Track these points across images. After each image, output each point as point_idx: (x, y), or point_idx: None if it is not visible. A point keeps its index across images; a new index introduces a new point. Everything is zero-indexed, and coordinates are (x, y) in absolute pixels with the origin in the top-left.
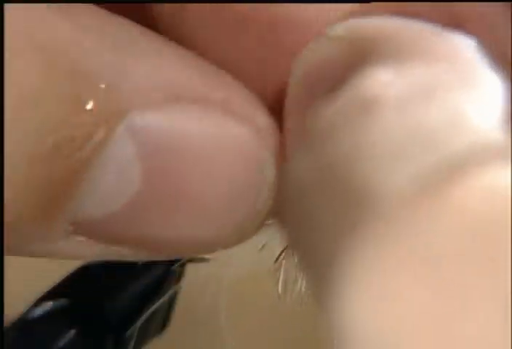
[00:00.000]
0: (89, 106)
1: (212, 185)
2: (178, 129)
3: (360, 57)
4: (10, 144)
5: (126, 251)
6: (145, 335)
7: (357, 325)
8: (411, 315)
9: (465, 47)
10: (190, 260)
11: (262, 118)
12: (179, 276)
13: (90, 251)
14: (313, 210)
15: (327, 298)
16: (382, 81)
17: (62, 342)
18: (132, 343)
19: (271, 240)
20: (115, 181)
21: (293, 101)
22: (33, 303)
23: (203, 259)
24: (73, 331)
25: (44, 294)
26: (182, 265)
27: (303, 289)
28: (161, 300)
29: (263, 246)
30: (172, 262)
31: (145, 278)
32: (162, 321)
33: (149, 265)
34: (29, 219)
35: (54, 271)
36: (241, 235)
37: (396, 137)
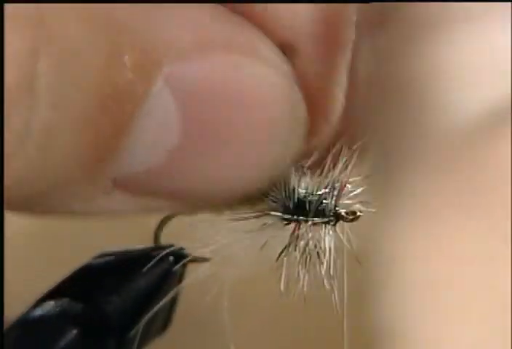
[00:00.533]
0: (127, 59)
1: (251, 130)
2: (215, 77)
3: None
4: (59, 107)
5: (165, 205)
6: (147, 336)
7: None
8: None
9: None
10: (192, 260)
11: (286, 64)
12: (180, 276)
13: (129, 207)
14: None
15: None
16: None
17: (63, 343)
18: (135, 344)
19: (272, 239)
20: (156, 133)
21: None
22: (33, 303)
23: (204, 259)
24: (74, 332)
25: (45, 294)
26: (184, 265)
27: (305, 287)
28: (164, 301)
29: (264, 246)
30: (173, 263)
31: (146, 279)
32: (164, 321)
33: (150, 265)
34: (76, 176)
35: (54, 271)
36: (273, 175)
37: (473, 62)
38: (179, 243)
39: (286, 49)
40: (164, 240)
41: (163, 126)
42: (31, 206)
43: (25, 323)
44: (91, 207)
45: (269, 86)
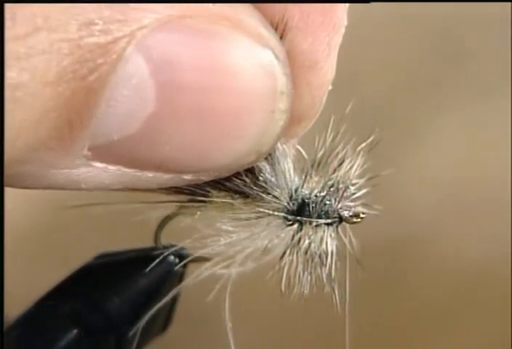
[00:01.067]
0: (99, 27)
1: (228, 99)
2: (190, 46)
3: None
4: (27, 69)
5: (147, 176)
6: (148, 335)
7: None
8: None
9: None
10: (193, 260)
11: (275, 38)
12: (181, 276)
13: (111, 179)
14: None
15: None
16: None
17: (63, 342)
18: (135, 343)
19: (274, 240)
20: (130, 100)
21: None
22: (34, 303)
23: (205, 259)
24: (74, 331)
25: (45, 293)
26: (184, 265)
27: (306, 288)
28: (164, 301)
29: (266, 246)
30: (173, 262)
31: (146, 278)
32: (164, 320)
33: (151, 265)
34: (48, 141)
35: (54, 271)
36: (260, 149)
37: None
38: (179, 243)
39: (279, 24)
40: (164, 240)
41: (138, 94)
42: (14, 176)
43: (26, 322)
44: (73, 178)
45: (249, 56)
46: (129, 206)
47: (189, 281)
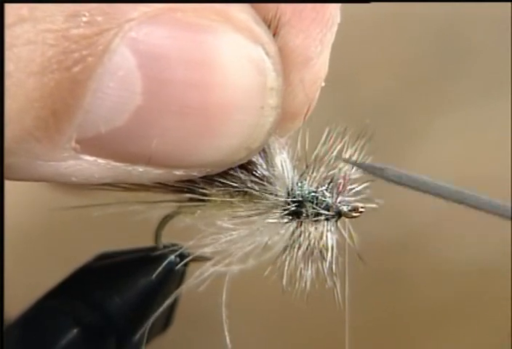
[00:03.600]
0: (86, 19)
1: (214, 94)
2: (177, 39)
3: None
4: (11, 58)
5: (137, 171)
6: (148, 334)
7: None
8: None
9: None
10: (193, 259)
11: (266, 34)
12: (182, 276)
13: (100, 172)
14: None
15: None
16: None
17: (63, 342)
18: (135, 343)
19: (274, 236)
20: (117, 92)
21: None
22: (34, 303)
23: (206, 258)
24: (75, 331)
25: (46, 293)
26: (185, 265)
27: (307, 284)
28: (167, 302)
29: (266, 243)
30: (174, 262)
31: (147, 278)
32: (165, 320)
33: (151, 265)
34: (34, 132)
35: (55, 271)
36: (250, 146)
37: None
38: (180, 242)
39: (272, 21)
40: (164, 239)
41: (124, 86)
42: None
43: (26, 322)
44: (62, 171)
45: (238, 52)
46: (129, 206)
47: (190, 281)
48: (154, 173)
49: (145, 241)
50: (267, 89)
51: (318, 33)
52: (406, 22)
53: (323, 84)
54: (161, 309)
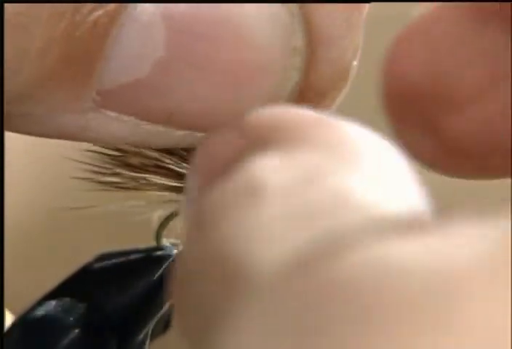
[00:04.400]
0: None
1: (238, 48)
2: None
3: (252, 145)
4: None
5: (158, 131)
6: (151, 335)
7: None
8: None
9: (348, 133)
10: None
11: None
12: None
13: (121, 129)
14: (200, 294)
15: None
16: (266, 167)
17: (64, 342)
18: (146, 344)
19: None
20: (140, 43)
21: (191, 189)
22: (35, 303)
23: None
24: (75, 331)
25: (46, 293)
26: None
27: None
28: (169, 302)
29: None
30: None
31: (148, 279)
32: (166, 321)
33: (153, 266)
34: (53, 75)
35: (55, 271)
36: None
37: (277, 219)
38: (181, 242)
39: None
40: (166, 240)
41: (147, 35)
42: (18, 118)
43: (27, 322)
44: (82, 123)
45: (263, 9)
46: (131, 206)
47: None
48: (177, 135)
49: (146, 242)
50: (290, 48)
51: (342, 12)
52: (406, 22)
53: (355, 63)
54: (163, 311)
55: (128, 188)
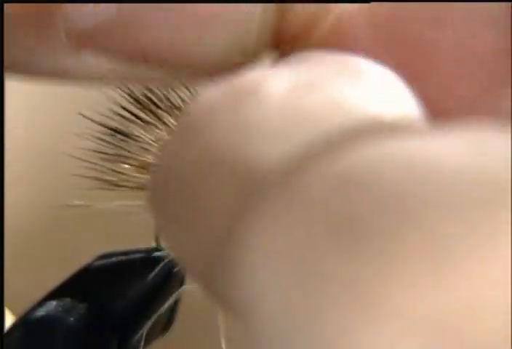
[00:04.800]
0: None
1: None
2: None
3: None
4: None
5: (139, 70)
6: (150, 336)
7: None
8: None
9: (357, 58)
10: None
11: None
12: (182, 277)
13: (100, 67)
14: (201, 199)
15: (221, 278)
16: (268, 73)
17: (65, 342)
18: (137, 343)
19: None
20: None
21: None
22: (36, 303)
23: None
24: (76, 331)
25: (47, 294)
26: None
27: None
28: (168, 302)
29: None
30: (175, 263)
31: (148, 279)
32: (166, 321)
33: (152, 266)
34: (24, 18)
35: (56, 272)
36: (245, 48)
37: (275, 119)
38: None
39: None
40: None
41: None
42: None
43: (27, 323)
44: (64, 66)
45: None
46: (131, 206)
47: (190, 281)
48: (156, 72)
49: (146, 242)
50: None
51: None
52: None
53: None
54: (161, 310)
55: (128, 188)
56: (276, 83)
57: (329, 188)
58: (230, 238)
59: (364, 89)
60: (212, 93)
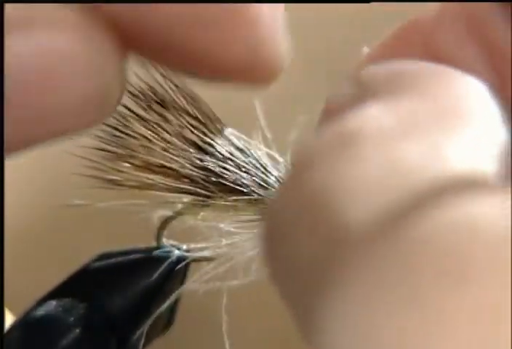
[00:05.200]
0: None
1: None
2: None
3: (363, 95)
4: None
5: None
6: (149, 335)
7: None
8: (389, 340)
9: (455, 84)
10: (194, 260)
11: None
12: (183, 276)
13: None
14: (294, 243)
15: (311, 331)
16: (368, 114)
17: (65, 342)
18: (137, 343)
19: None
20: None
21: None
22: (36, 303)
23: (206, 259)
24: (76, 331)
25: (47, 293)
26: (186, 266)
27: None
28: (168, 302)
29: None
30: (175, 263)
31: (148, 278)
32: (166, 321)
33: (152, 265)
34: None
35: (56, 271)
36: (101, 101)
37: (372, 171)
38: (181, 243)
39: None
40: (166, 240)
41: None
42: None
43: (27, 323)
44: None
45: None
46: (131, 206)
47: (190, 281)
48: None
49: (146, 241)
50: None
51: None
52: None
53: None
54: (161, 309)
55: (129, 187)
56: (371, 130)
57: (408, 252)
58: (319, 286)
59: (463, 139)
60: (315, 140)
